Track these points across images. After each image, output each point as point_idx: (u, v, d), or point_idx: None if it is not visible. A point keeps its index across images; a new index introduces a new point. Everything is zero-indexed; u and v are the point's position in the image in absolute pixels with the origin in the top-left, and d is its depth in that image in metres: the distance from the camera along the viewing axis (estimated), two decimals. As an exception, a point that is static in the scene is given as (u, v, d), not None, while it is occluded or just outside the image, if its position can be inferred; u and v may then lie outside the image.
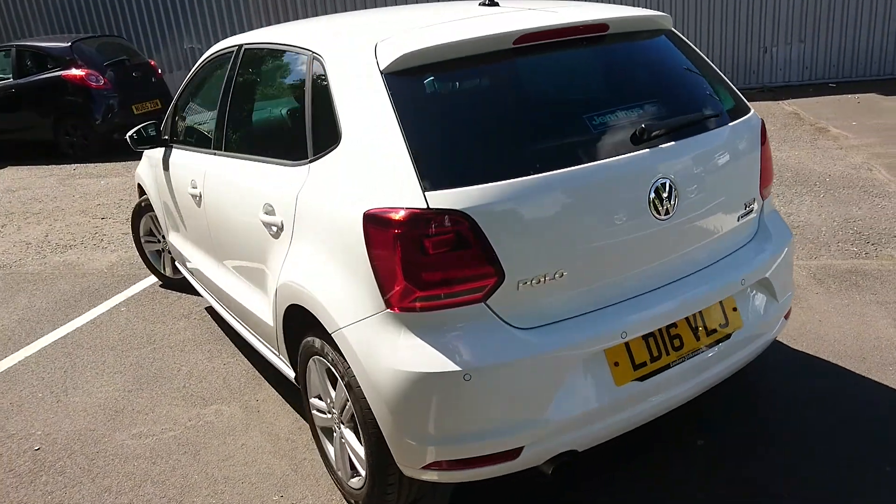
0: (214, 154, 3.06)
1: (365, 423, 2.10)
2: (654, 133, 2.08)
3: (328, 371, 2.35)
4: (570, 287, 1.98)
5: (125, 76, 9.78)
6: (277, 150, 2.56)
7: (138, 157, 4.64)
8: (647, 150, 2.07)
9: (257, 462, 2.77)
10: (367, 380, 1.98)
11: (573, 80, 2.24)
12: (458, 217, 1.84)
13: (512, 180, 1.88)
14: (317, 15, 11.79)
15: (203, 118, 3.39)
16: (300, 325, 2.44)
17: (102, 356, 3.82)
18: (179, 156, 3.54)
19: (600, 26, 2.25)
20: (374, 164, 1.99)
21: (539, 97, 2.15)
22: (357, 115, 2.08)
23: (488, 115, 2.02)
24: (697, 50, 2.55)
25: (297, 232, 2.29)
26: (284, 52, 2.62)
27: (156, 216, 4.46)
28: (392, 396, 1.92)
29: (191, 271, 3.81)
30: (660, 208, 2.07)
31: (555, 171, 1.93)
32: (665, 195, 2.08)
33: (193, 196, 3.23)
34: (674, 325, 2.12)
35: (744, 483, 2.41)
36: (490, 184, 1.87)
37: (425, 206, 1.84)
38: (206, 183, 3.06)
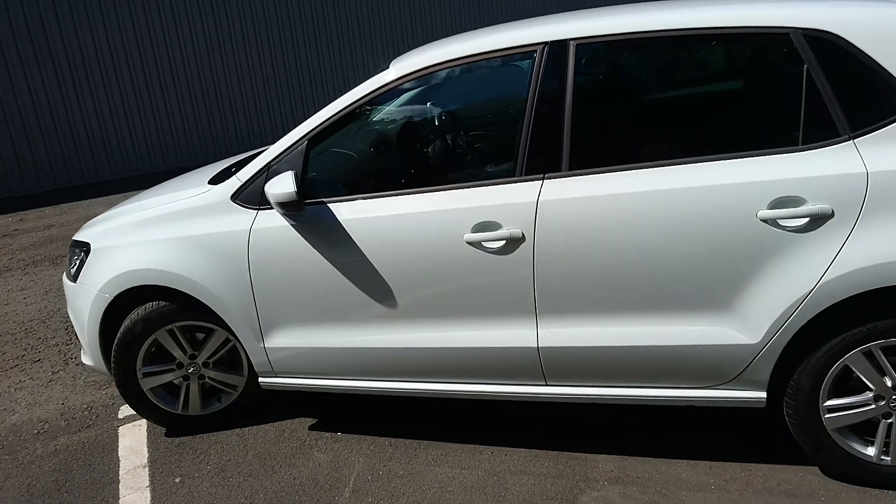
0: (544, 179, 2.41)
1: None
2: None
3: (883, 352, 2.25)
4: None
5: None
6: (757, 139, 2.26)
7: None
8: None
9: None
10: None
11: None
12: None
13: None
14: None
15: (442, 149, 2.58)
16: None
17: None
18: (389, 205, 2.57)
19: None
20: None
21: None
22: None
23: None
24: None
25: (872, 212, 2.12)
26: (718, 36, 2.29)
27: (183, 329, 3.02)
28: None
29: (364, 369, 2.77)
30: None
31: None
32: None
33: (480, 244, 2.45)
34: None
35: None
36: None
37: None
38: (546, 217, 2.38)
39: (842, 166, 2.17)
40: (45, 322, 4.77)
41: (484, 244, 2.47)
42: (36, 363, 4.12)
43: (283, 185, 2.56)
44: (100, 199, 9.06)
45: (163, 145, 10.95)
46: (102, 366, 3.16)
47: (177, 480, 2.86)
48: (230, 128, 11.71)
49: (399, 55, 2.66)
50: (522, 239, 2.43)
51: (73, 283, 3.18)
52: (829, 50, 2.21)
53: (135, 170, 10.74)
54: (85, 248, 3.16)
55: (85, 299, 3.09)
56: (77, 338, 3.35)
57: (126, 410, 3.45)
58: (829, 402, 2.36)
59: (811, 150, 2.21)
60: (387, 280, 2.62)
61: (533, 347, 2.53)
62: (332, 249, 2.66)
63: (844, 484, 2.44)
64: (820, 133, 2.21)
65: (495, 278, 2.50)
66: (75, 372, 3.94)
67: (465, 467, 2.74)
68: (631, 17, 2.41)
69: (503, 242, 2.45)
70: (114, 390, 3.68)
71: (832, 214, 2.17)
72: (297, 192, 2.52)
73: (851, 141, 2.18)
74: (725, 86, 2.39)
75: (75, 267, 3.24)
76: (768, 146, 2.26)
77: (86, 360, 3.28)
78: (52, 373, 3.96)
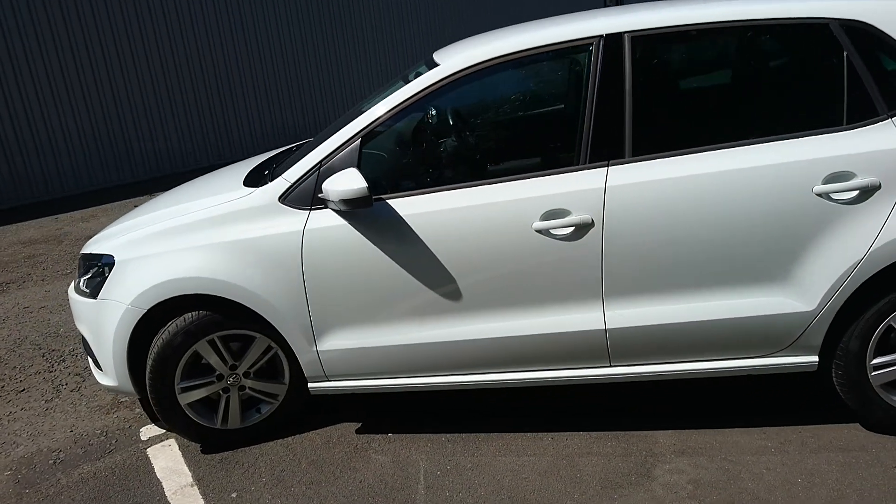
0: (609, 166, 2.51)
1: None
2: None
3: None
4: None
5: None
6: (807, 121, 2.44)
7: None
8: None
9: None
10: None
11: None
12: None
13: None
14: None
15: (504, 143, 2.64)
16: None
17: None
18: (453, 198, 2.60)
19: None
20: None
21: None
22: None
23: None
24: None
25: None
26: (764, 27, 2.46)
27: (223, 339, 2.89)
28: None
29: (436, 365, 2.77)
30: None
31: None
32: None
33: (549, 231, 2.52)
34: None
35: None
36: None
37: None
38: (614, 202, 2.48)
39: (885, 142, 2.39)
40: (14, 351, 4.43)
41: (552, 231, 2.54)
42: (22, 393, 3.82)
43: (350, 182, 2.53)
44: (29, 222, 8.46)
45: (89, 161, 10.34)
46: (128, 385, 3.00)
47: (233, 496, 2.74)
48: (166, 143, 11.20)
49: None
50: (591, 224, 2.52)
51: (91, 300, 3.00)
52: (864, 37, 2.44)
53: (59, 192, 10.09)
54: (105, 260, 2.99)
55: (110, 315, 2.92)
56: (92, 358, 3.15)
57: (149, 432, 3.27)
58: (875, 361, 2.57)
59: (855, 128, 2.43)
60: (453, 273, 2.64)
61: (600, 329, 2.62)
62: (394, 245, 2.65)
63: (888, 436, 2.66)
64: (861, 113, 2.43)
65: (564, 264, 2.58)
66: (73, 398, 3.69)
67: (531, 454, 2.79)
68: (681, 11, 2.56)
69: (572, 228, 2.54)
70: (126, 413, 3.47)
71: (879, 186, 2.39)
72: (369, 188, 2.50)
73: (890, 119, 2.41)
74: (775, 72, 2.57)
75: (84, 281, 3.07)
76: (817, 126, 2.46)
77: (105, 380, 3.09)
78: (46, 401, 3.69)
